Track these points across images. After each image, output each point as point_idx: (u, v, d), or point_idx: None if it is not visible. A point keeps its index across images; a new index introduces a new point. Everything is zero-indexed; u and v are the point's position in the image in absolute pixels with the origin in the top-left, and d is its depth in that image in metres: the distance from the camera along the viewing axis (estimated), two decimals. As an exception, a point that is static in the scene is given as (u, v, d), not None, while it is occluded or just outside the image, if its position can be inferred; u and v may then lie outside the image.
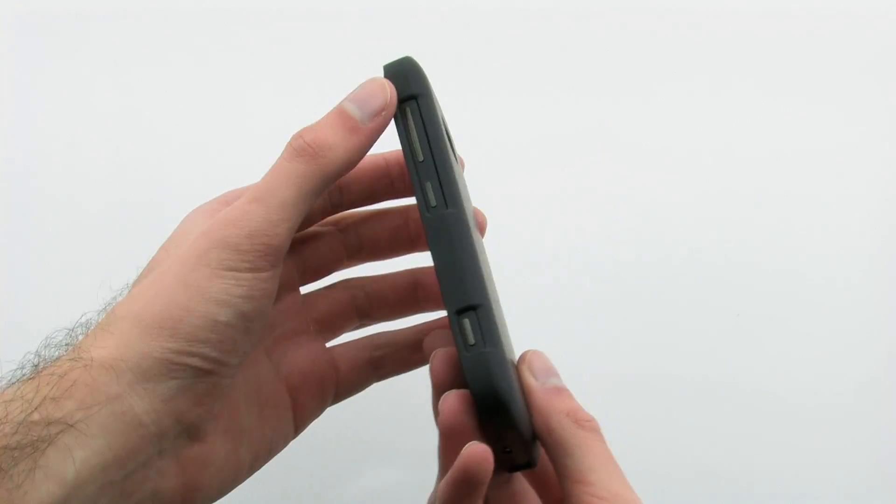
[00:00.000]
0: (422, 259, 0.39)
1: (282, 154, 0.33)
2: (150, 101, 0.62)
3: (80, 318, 0.34)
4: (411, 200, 0.40)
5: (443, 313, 0.37)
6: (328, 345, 0.41)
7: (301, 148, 0.32)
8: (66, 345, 0.32)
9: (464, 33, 0.63)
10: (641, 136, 0.63)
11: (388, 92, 0.33)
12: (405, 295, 0.41)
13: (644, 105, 0.63)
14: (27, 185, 0.60)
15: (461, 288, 0.31)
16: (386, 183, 0.39)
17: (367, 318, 0.42)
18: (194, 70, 0.62)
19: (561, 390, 0.34)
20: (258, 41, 0.62)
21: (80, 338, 0.32)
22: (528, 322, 0.61)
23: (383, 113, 0.33)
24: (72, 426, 0.27)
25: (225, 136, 0.61)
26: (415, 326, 0.42)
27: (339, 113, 0.33)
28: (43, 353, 0.32)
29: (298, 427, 0.39)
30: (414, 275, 0.41)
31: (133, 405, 0.29)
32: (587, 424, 0.32)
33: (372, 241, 0.41)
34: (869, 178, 0.63)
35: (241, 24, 0.63)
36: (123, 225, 0.58)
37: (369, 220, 0.41)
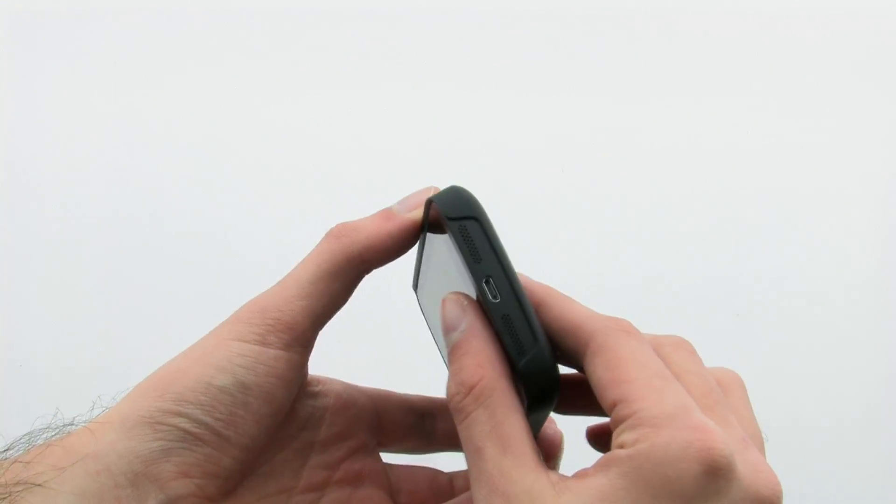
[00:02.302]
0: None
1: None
2: (150, 101, 0.62)
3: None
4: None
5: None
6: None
7: (333, 232, 0.32)
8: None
9: (464, 33, 0.63)
10: (641, 137, 0.63)
11: (430, 192, 0.33)
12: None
13: (644, 106, 0.63)
14: (26, 185, 0.60)
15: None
16: (418, 423, 0.37)
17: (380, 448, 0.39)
18: (194, 70, 0.62)
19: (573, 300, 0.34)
20: (259, 41, 0.62)
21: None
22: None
23: (419, 207, 0.33)
24: (39, 485, 0.26)
25: (225, 136, 0.61)
26: (419, 399, 0.40)
27: (382, 209, 0.33)
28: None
29: None
30: (428, 405, 0.39)
31: (110, 464, 0.28)
32: (623, 324, 0.30)
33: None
34: (870, 179, 0.63)
35: (241, 24, 0.63)
36: (123, 225, 0.58)
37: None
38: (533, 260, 0.62)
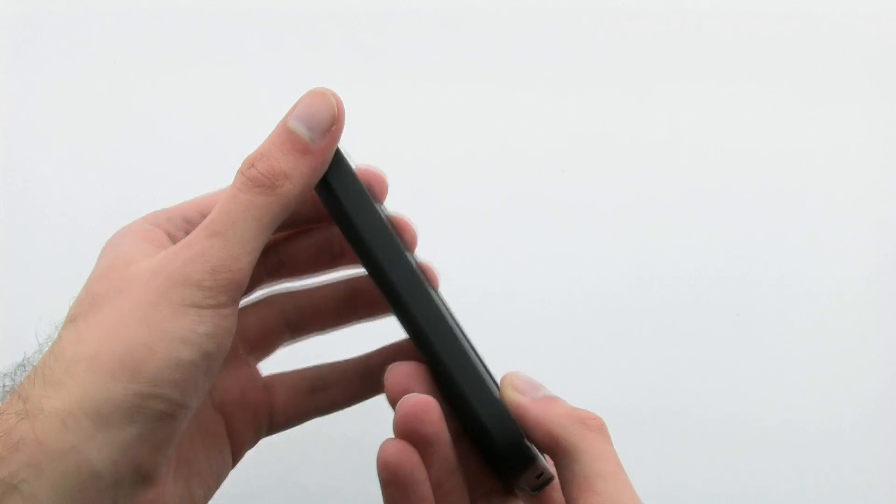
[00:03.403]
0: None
1: (234, 183, 0.31)
2: (150, 100, 0.62)
3: (22, 359, 0.31)
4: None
5: (385, 327, 0.37)
6: (267, 370, 0.39)
7: (256, 179, 0.31)
8: (7, 391, 0.30)
9: (463, 33, 0.63)
10: (642, 138, 0.63)
11: (334, 102, 0.32)
12: (341, 304, 0.39)
13: (642, 106, 0.63)
14: (25, 185, 0.60)
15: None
16: (329, 255, 0.38)
17: (299, 331, 0.40)
18: (194, 70, 0.62)
19: (553, 398, 0.33)
20: (259, 41, 0.62)
21: (23, 383, 0.29)
22: (530, 317, 0.60)
23: (333, 128, 0.32)
24: (15, 487, 0.25)
25: (225, 135, 0.61)
26: (363, 355, 0.40)
27: (287, 133, 0.31)
28: None
29: (235, 457, 0.37)
30: (351, 284, 0.39)
31: (90, 457, 0.27)
32: (592, 423, 0.30)
33: (293, 259, 0.39)
34: (872, 180, 0.63)
35: (241, 24, 0.63)
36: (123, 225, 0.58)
37: (290, 238, 0.39)
38: (534, 260, 0.62)
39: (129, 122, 0.61)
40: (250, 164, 0.31)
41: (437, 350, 0.31)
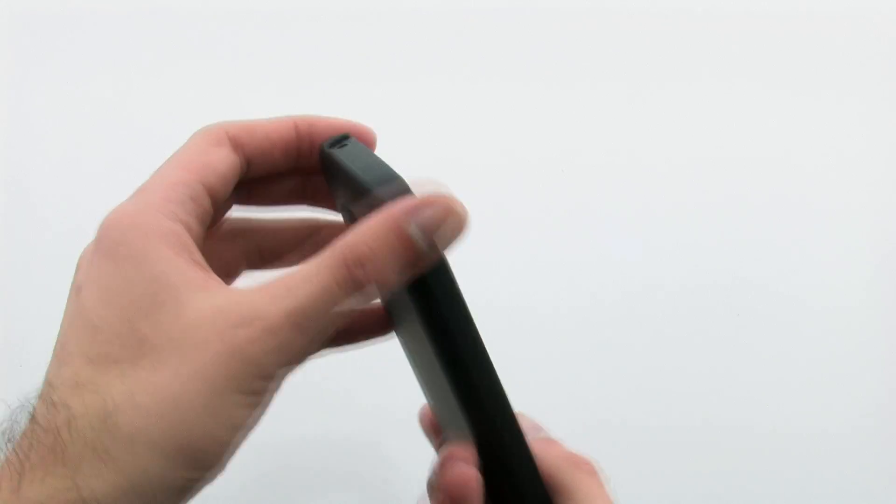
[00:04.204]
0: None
1: (332, 271, 0.27)
2: (149, 100, 0.62)
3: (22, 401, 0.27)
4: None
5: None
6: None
7: (360, 282, 0.27)
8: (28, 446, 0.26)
9: (462, 32, 0.63)
10: (643, 139, 0.63)
11: (465, 222, 0.28)
12: (302, 242, 0.37)
13: (645, 107, 0.63)
14: (24, 185, 0.60)
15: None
16: (293, 156, 0.35)
17: (257, 266, 0.37)
18: (194, 70, 0.62)
19: (552, 440, 0.34)
20: (258, 41, 0.62)
21: (63, 439, 0.26)
22: (534, 320, 0.60)
23: (450, 247, 0.28)
24: None
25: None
26: (302, 220, 0.37)
27: (402, 238, 0.27)
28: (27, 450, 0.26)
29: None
30: (313, 224, 0.37)
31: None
32: (585, 467, 0.31)
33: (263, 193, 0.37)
34: (871, 183, 0.63)
35: (241, 24, 0.63)
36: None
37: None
38: (534, 261, 0.62)
39: (129, 121, 0.61)
40: (358, 261, 0.27)
41: (505, 455, 0.31)
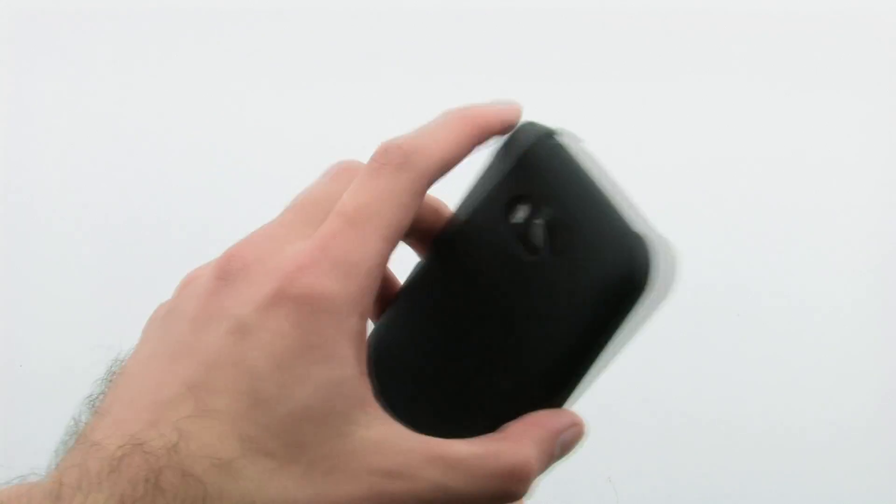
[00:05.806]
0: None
1: (490, 467, 0.27)
2: (149, 100, 0.62)
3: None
4: None
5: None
6: None
7: (506, 491, 0.28)
8: None
9: (462, 32, 0.63)
10: (644, 140, 0.63)
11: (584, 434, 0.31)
12: None
13: (645, 108, 0.63)
14: (25, 185, 0.60)
15: None
16: None
17: None
18: (194, 70, 0.62)
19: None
20: (258, 41, 0.62)
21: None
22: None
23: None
24: None
25: (225, 135, 0.61)
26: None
27: (551, 454, 0.28)
28: None
29: None
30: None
31: None
32: None
33: None
34: (871, 185, 0.63)
35: (241, 24, 0.63)
36: (123, 225, 0.58)
37: None
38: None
39: (129, 121, 0.61)
40: (517, 477, 0.27)
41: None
